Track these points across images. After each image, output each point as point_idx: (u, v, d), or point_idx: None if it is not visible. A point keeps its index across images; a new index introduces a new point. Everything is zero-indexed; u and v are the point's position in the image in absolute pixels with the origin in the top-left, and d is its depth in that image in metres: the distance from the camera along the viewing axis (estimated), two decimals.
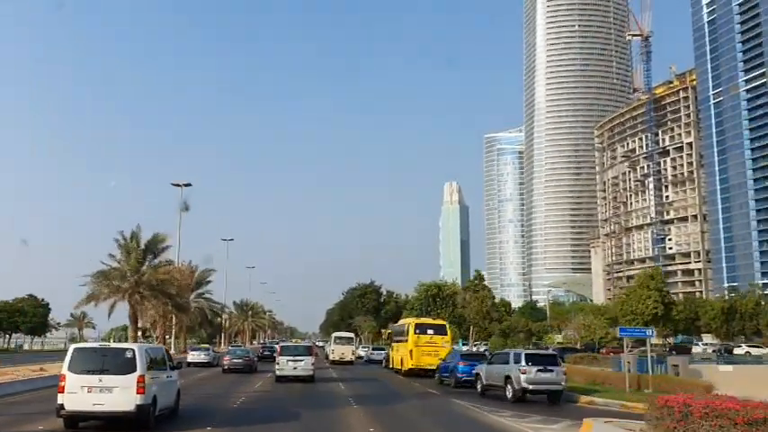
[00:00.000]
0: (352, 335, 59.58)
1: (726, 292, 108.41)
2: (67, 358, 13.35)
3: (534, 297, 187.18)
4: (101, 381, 12.93)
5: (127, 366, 13.13)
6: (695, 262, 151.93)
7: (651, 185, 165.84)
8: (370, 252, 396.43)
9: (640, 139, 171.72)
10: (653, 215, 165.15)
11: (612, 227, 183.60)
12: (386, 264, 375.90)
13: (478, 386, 24.12)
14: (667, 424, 10.70)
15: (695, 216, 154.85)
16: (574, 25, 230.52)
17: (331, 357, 51.21)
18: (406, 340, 34.79)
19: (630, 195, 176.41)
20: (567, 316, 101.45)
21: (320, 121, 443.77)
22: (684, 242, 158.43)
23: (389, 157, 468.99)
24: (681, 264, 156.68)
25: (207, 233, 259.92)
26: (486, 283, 64.18)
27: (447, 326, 35.42)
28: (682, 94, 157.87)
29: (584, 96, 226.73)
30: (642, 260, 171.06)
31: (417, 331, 34.25)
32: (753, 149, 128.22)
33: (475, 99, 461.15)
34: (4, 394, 21.58)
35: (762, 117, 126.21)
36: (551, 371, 20.78)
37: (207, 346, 56.14)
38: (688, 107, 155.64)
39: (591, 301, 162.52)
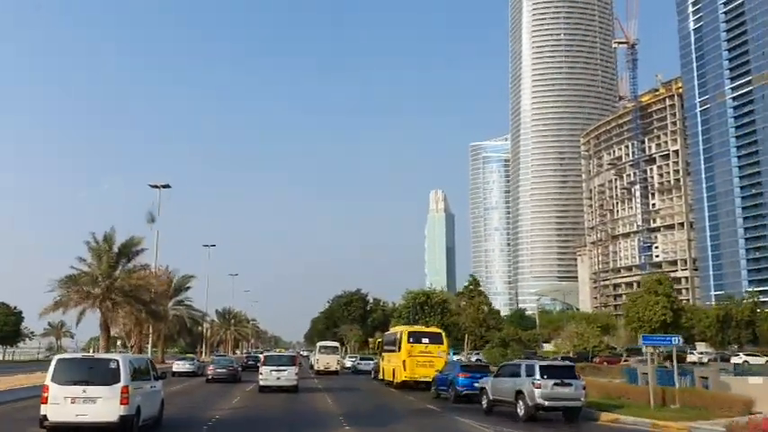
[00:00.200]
0: (337, 344, 57.70)
1: (713, 300, 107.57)
2: (51, 369, 13.35)
3: (521, 305, 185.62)
4: (84, 391, 12.97)
5: (111, 377, 13.15)
6: (682, 270, 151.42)
7: (637, 193, 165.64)
8: (355, 260, 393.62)
9: (626, 146, 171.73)
10: (639, 223, 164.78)
11: (599, 235, 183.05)
12: (371, 272, 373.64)
13: (484, 402, 21.71)
14: None
15: (682, 224, 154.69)
16: (559, 33, 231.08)
17: (316, 367, 49.72)
18: (399, 350, 32.36)
19: (617, 203, 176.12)
20: (558, 324, 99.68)
21: (301, 130, 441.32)
22: (671, 250, 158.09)
23: (374, 166, 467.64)
24: (668, 272, 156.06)
25: (190, 239, 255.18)
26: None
27: (443, 334, 33.01)
28: (668, 102, 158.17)
29: (569, 104, 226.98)
30: (629, 268, 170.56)
31: (411, 340, 31.84)
32: (739, 157, 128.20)
33: (460, 107, 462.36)
34: None
35: (748, 125, 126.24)
36: (569, 384, 18.44)
37: (192, 355, 55.47)
38: (674, 115, 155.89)
39: (577, 309, 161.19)
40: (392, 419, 19.89)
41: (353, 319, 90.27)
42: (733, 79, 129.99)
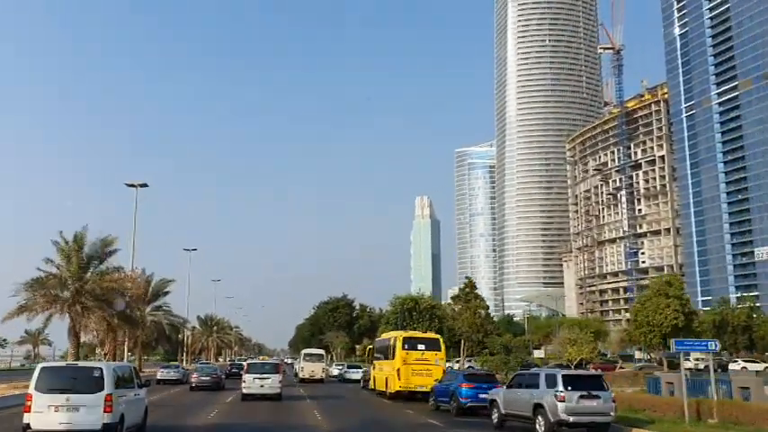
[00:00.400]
0: (322, 351, 55.46)
1: (701, 306, 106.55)
2: (34, 377, 13.37)
3: (507, 312, 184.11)
4: (68, 400, 13.00)
5: (95, 385, 13.15)
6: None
7: (623, 199, 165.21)
8: (340, 267, 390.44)
9: (612, 152, 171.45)
10: (625, 229, 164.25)
11: (585, 241, 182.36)
12: (356, 278, 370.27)
13: (494, 416, 19.38)
14: None
15: (668, 229, 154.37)
16: (544, 39, 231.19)
17: (300, 375, 47.94)
18: (393, 357, 29.92)
19: (603, 209, 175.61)
20: (547, 330, 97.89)
21: (284, 134, 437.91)
22: (657, 256, 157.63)
23: (359, 171, 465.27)
24: (654, 278, 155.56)
25: (174, 246, 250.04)
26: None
27: (441, 340, 30.62)
28: (653, 108, 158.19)
29: (555, 110, 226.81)
30: (615, 274, 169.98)
31: (406, 346, 29.43)
32: (725, 162, 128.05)
33: (446, 113, 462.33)
34: None
35: (734, 130, 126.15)
36: (597, 397, 16.20)
37: (176, 363, 56.44)
38: (660, 120, 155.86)
39: (563, 315, 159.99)
40: None
41: (340, 325, 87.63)
42: (719, 85, 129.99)
